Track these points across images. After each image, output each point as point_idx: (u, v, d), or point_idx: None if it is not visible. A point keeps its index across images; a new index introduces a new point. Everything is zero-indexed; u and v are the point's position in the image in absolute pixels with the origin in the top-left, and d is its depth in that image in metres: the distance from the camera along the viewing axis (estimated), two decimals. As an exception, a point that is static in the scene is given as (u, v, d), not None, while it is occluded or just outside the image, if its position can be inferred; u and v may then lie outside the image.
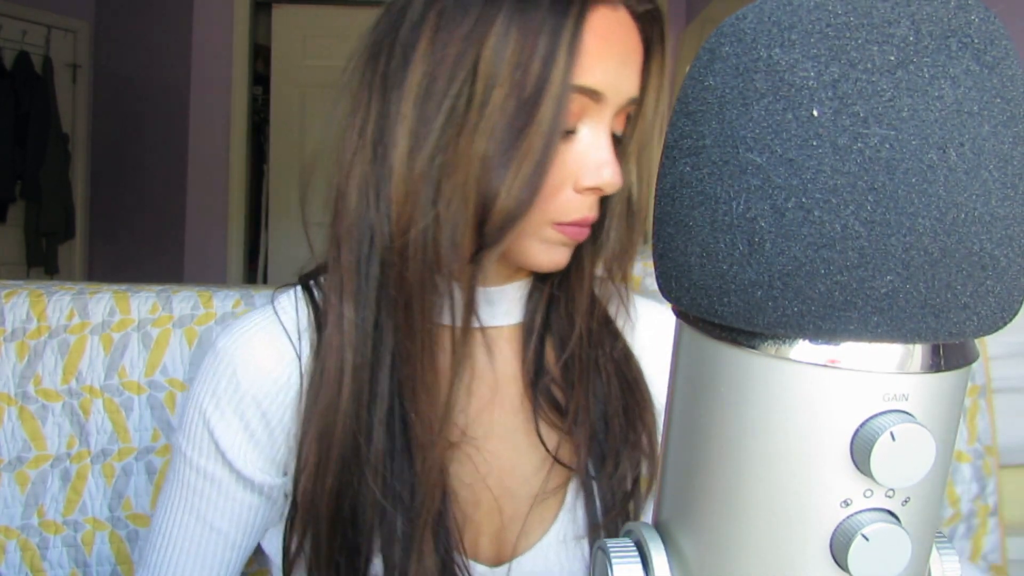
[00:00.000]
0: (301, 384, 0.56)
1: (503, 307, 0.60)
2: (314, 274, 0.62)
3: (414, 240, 0.51)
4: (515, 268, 0.59)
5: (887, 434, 0.19)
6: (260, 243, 3.38)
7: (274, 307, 0.58)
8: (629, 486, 0.59)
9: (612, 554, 0.25)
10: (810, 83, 0.19)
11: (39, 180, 3.31)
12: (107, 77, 3.54)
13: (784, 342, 0.20)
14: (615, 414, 0.59)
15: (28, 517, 0.77)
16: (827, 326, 0.19)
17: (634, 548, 0.25)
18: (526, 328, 0.61)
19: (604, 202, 0.56)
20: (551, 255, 0.54)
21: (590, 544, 0.58)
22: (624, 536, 0.26)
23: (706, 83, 0.21)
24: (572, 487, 0.58)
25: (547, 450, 0.57)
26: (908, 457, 0.19)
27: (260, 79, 3.38)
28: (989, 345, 0.99)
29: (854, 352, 0.19)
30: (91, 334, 0.80)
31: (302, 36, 3.25)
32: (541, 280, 0.61)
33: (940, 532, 0.25)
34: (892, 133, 0.18)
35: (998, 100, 0.19)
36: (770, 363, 0.20)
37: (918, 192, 0.18)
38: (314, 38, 3.25)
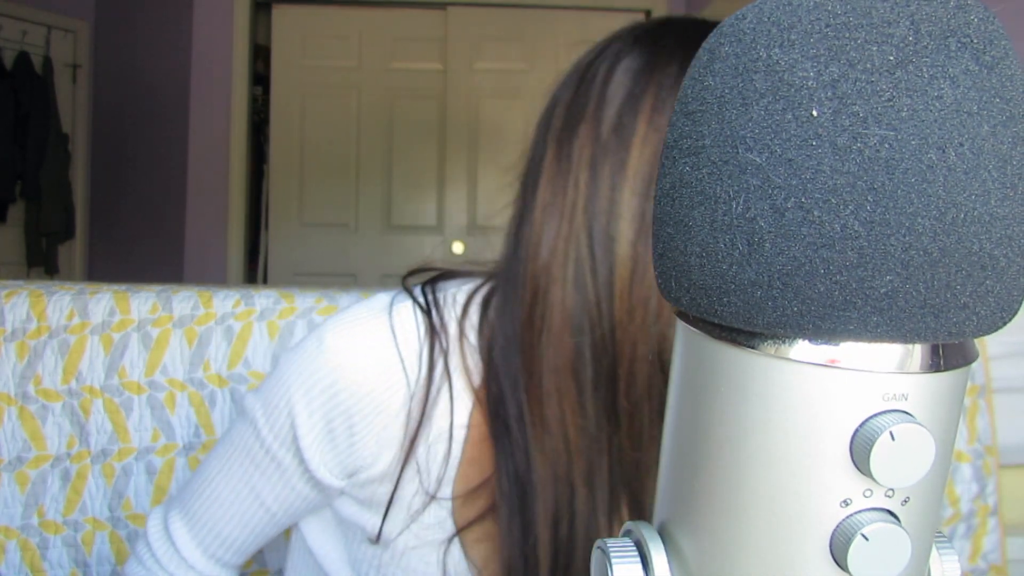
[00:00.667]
0: (407, 413, 0.55)
1: None
2: (431, 281, 0.61)
3: (640, 327, 0.50)
4: None
5: (887, 434, 0.19)
6: (260, 243, 3.38)
7: (391, 321, 0.57)
8: None
9: (612, 554, 0.25)
10: (809, 83, 0.19)
11: (39, 180, 3.31)
12: (107, 77, 3.54)
13: (784, 342, 0.20)
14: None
15: (28, 517, 0.77)
16: (827, 326, 0.19)
17: (634, 548, 0.25)
18: None
19: None
20: None
21: None
22: (624, 536, 0.26)
23: (705, 83, 0.21)
24: None
25: None
26: (908, 457, 0.19)
27: (260, 79, 3.38)
28: (989, 345, 0.99)
29: (854, 352, 0.20)
30: (91, 334, 0.80)
31: (302, 36, 3.25)
32: None
33: (940, 532, 0.25)
34: (891, 133, 0.18)
35: (997, 100, 0.19)
36: (770, 363, 0.20)
37: (918, 192, 0.18)
38: (314, 38, 3.25)
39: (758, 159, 0.19)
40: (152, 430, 0.79)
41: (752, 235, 0.19)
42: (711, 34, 0.21)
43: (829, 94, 0.19)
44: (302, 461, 0.56)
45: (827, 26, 0.19)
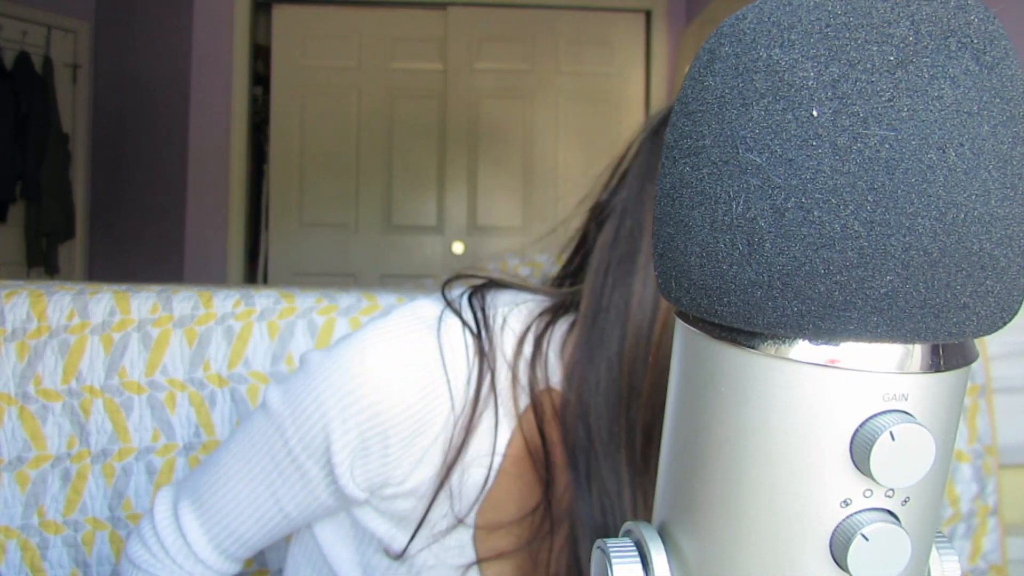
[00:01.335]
0: (448, 436, 0.54)
1: None
2: (477, 291, 0.59)
3: None
4: None
5: (887, 434, 0.19)
6: (260, 243, 3.38)
7: (440, 338, 0.55)
8: None
9: (612, 554, 0.25)
10: (810, 83, 0.19)
11: (39, 180, 3.31)
12: (107, 77, 3.54)
13: (784, 342, 0.20)
14: None
15: (28, 517, 0.77)
16: (827, 326, 0.19)
17: (634, 548, 0.25)
18: None
19: None
20: None
21: None
22: (624, 536, 0.26)
23: (706, 83, 0.21)
24: None
25: None
26: (908, 457, 0.19)
27: (260, 79, 3.38)
28: (989, 345, 0.99)
29: (854, 352, 0.20)
30: (91, 334, 0.80)
31: (302, 36, 3.25)
32: None
33: (940, 532, 0.25)
34: (892, 133, 0.18)
35: (997, 100, 0.19)
36: (770, 363, 0.20)
37: (918, 192, 0.18)
38: (314, 38, 3.25)
39: (758, 159, 0.19)
40: (152, 430, 0.79)
41: (752, 235, 0.19)
42: (711, 34, 0.21)
43: (829, 94, 0.19)
44: (331, 475, 0.54)
45: (827, 26, 0.19)
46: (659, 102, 3.26)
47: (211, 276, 3.18)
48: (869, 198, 0.18)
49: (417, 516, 0.57)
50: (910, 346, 0.20)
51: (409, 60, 3.29)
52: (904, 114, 0.18)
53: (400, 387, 0.53)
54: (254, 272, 3.37)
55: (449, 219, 3.28)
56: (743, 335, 0.21)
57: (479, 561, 0.57)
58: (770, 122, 0.19)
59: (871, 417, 0.19)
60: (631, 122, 3.25)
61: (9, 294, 0.80)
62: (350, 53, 3.26)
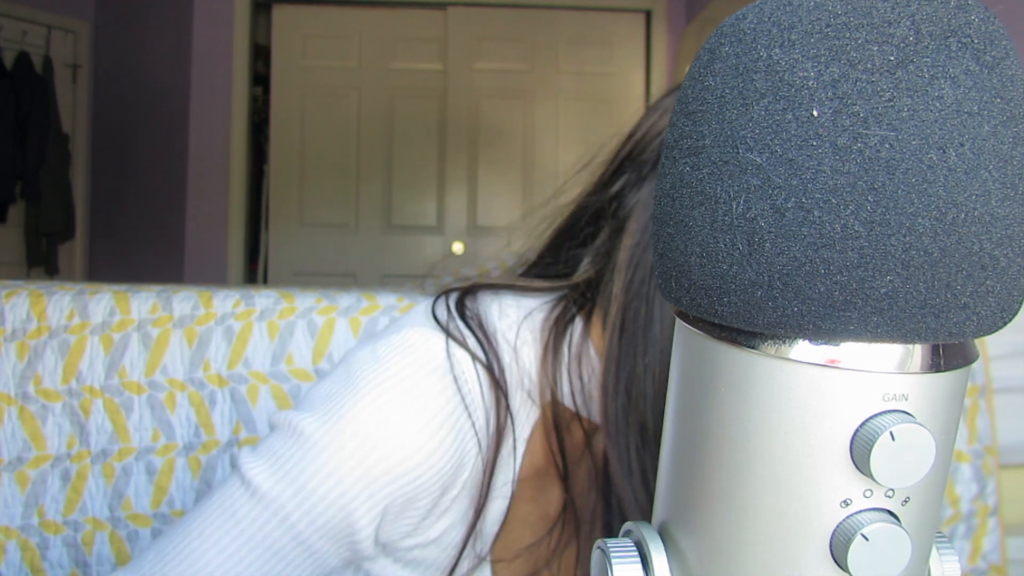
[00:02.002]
0: (476, 480, 0.51)
1: None
2: (461, 300, 0.55)
3: None
4: None
5: (887, 434, 0.19)
6: (260, 243, 3.38)
7: (457, 382, 0.50)
8: None
9: (612, 554, 0.25)
10: (810, 83, 0.19)
11: (39, 180, 3.31)
12: (107, 77, 3.54)
13: (784, 342, 0.20)
14: None
15: (28, 517, 0.77)
16: (827, 326, 0.19)
17: (634, 548, 0.25)
18: None
19: None
20: None
21: None
22: (624, 536, 0.26)
23: (706, 83, 0.21)
24: None
25: None
26: (908, 457, 0.19)
27: (260, 79, 3.38)
28: (989, 345, 0.99)
29: (854, 352, 0.20)
30: (91, 334, 0.80)
31: (302, 36, 3.25)
32: None
33: (940, 532, 0.25)
34: (892, 133, 0.18)
35: (998, 100, 0.19)
36: (770, 363, 0.20)
37: (918, 192, 0.18)
38: (314, 38, 3.25)
39: (758, 159, 0.19)
40: (152, 430, 0.79)
41: (752, 235, 0.19)
42: (711, 34, 0.21)
43: (829, 94, 0.19)
44: (350, 544, 0.48)
45: (827, 26, 0.19)
46: (659, 102, 3.26)
47: (211, 276, 3.18)
48: (869, 198, 0.18)
49: (437, 560, 0.53)
50: (910, 346, 0.20)
51: (409, 60, 3.29)
52: (904, 114, 0.18)
53: (432, 448, 0.47)
54: (254, 272, 3.37)
55: (449, 219, 3.28)
56: (743, 335, 0.21)
57: None
58: (770, 122, 0.19)
59: (871, 417, 0.19)
60: (631, 122, 3.24)
61: (9, 294, 0.80)
62: (350, 53, 3.26)
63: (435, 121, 3.29)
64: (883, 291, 0.19)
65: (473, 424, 0.50)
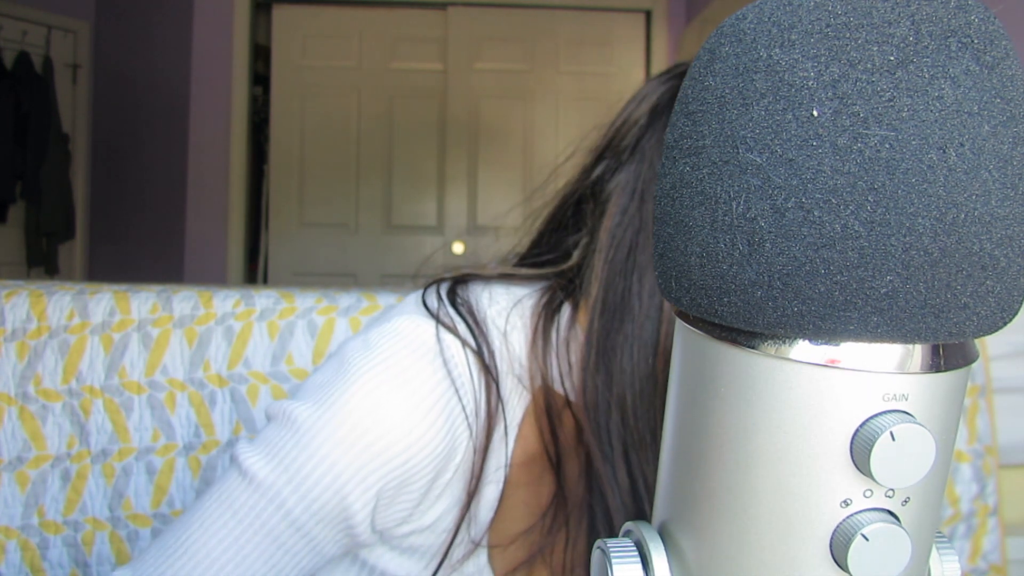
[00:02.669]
0: (469, 463, 0.51)
1: None
2: (452, 291, 0.55)
3: None
4: None
5: (887, 434, 0.19)
6: (260, 243, 3.38)
7: (444, 356, 0.51)
8: None
9: (612, 554, 0.25)
10: (810, 83, 0.19)
11: (39, 180, 3.31)
12: (107, 77, 3.54)
13: (784, 342, 0.20)
14: None
15: (28, 517, 0.77)
16: (827, 326, 0.19)
17: (634, 548, 0.25)
18: None
19: None
20: None
21: None
22: (624, 536, 0.26)
23: (706, 83, 0.21)
24: None
25: None
26: (908, 457, 0.19)
27: (260, 79, 3.38)
28: (989, 345, 0.99)
29: (854, 352, 0.19)
30: (91, 334, 0.80)
31: (302, 36, 3.25)
32: None
33: (940, 532, 0.25)
34: (892, 133, 0.18)
35: (998, 100, 0.19)
36: (770, 363, 0.20)
37: (918, 192, 0.18)
38: (314, 38, 3.25)
39: (758, 159, 0.19)
40: (152, 430, 0.79)
41: (752, 235, 0.19)
42: (712, 34, 0.21)
43: (830, 94, 0.19)
44: (346, 532, 0.49)
45: (828, 26, 0.19)
46: (659, 102, 3.26)
47: (211, 276, 3.18)
48: (869, 198, 0.18)
49: (434, 546, 0.53)
50: (910, 346, 0.20)
51: (409, 60, 3.29)
52: (904, 114, 0.18)
53: (423, 432, 0.48)
54: (254, 272, 3.37)
55: (449, 219, 3.28)
56: (743, 335, 0.21)
57: None
58: (770, 122, 0.19)
59: (871, 417, 0.19)
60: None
61: (9, 294, 0.80)
62: (350, 53, 3.26)
63: (435, 121, 3.29)
64: (883, 291, 0.18)
65: (464, 408, 0.50)
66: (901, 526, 0.20)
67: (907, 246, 0.18)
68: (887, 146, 0.18)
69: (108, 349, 0.79)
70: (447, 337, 0.51)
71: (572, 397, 0.55)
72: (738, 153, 0.20)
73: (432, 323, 0.52)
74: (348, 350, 0.51)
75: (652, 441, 0.51)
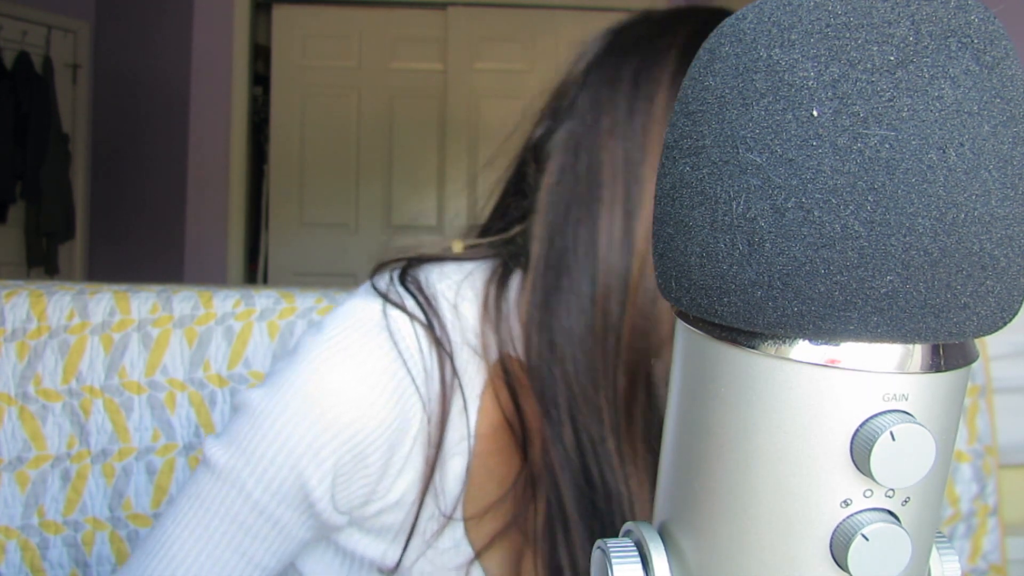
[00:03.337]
0: (425, 435, 0.51)
1: None
2: (403, 274, 0.56)
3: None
4: None
5: (887, 434, 0.19)
6: (260, 243, 3.38)
7: (394, 339, 0.51)
8: None
9: (612, 554, 0.25)
10: (810, 83, 0.19)
11: (39, 180, 3.31)
12: (107, 77, 3.54)
13: (784, 342, 0.20)
14: None
15: (28, 517, 0.77)
16: (827, 326, 0.19)
17: (634, 548, 0.25)
18: None
19: None
20: None
21: None
22: (624, 536, 0.26)
23: (706, 83, 0.21)
24: None
25: None
26: (908, 457, 0.19)
27: (260, 79, 3.38)
28: (989, 345, 0.99)
29: (854, 352, 0.20)
30: (91, 334, 0.80)
31: (302, 36, 3.25)
32: None
33: (940, 532, 0.25)
34: (892, 133, 0.18)
35: (998, 100, 0.19)
36: (770, 363, 0.20)
37: (918, 192, 0.18)
38: (314, 38, 3.25)
39: (758, 159, 0.19)
40: (152, 430, 0.79)
41: (752, 235, 0.19)
42: (711, 34, 0.21)
43: (829, 94, 0.19)
44: (309, 512, 0.49)
45: (827, 26, 0.19)
46: (659, 102, 3.26)
47: (211, 276, 3.18)
48: (869, 198, 0.18)
49: (404, 524, 0.53)
50: (910, 346, 0.20)
51: (409, 60, 3.29)
52: (904, 114, 0.18)
53: (372, 401, 0.49)
54: (254, 272, 3.37)
55: (449, 219, 3.28)
56: (743, 335, 0.21)
57: (478, 555, 0.54)
58: (770, 122, 0.19)
59: (871, 417, 0.19)
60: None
61: (9, 294, 0.80)
62: (350, 53, 3.26)
63: (435, 121, 3.29)
64: (883, 291, 0.19)
65: (414, 380, 0.51)
66: (901, 526, 0.20)
67: (907, 246, 0.18)
68: (887, 146, 0.18)
69: (108, 349, 0.79)
70: (394, 313, 0.52)
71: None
72: (738, 153, 0.20)
73: (380, 301, 0.53)
74: (302, 337, 0.53)
75: (596, 397, 0.51)
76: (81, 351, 0.79)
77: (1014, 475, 1.01)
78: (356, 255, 3.28)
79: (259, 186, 3.42)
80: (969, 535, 0.92)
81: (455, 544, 0.55)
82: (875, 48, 0.19)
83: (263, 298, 0.83)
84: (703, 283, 0.21)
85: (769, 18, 0.20)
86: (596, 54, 0.56)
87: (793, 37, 0.19)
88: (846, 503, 0.20)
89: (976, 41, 0.19)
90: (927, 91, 0.18)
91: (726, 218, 0.20)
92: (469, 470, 0.54)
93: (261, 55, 3.36)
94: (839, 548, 0.20)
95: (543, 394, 0.52)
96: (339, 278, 3.23)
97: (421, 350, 0.52)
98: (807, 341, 0.20)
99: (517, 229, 0.57)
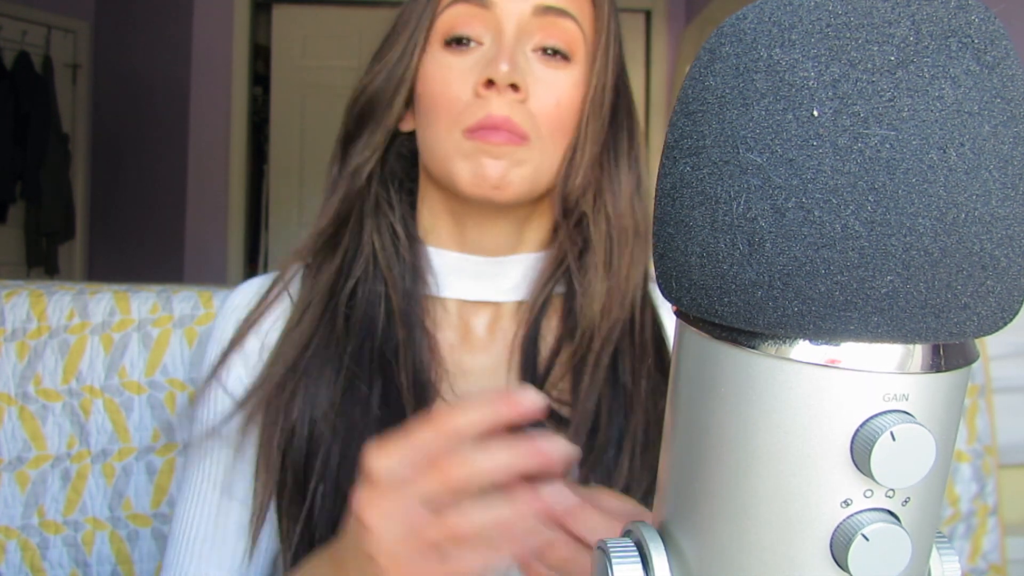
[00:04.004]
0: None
1: (509, 282, 0.59)
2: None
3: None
4: (516, 236, 0.59)
5: (887, 434, 0.19)
6: (260, 243, 3.38)
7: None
8: None
9: (612, 554, 0.25)
10: (810, 83, 0.19)
11: (39, 180, 3.31)
12: (107, 77, 3.54)
13: (784, 342, 0.20)
14: (632, 453, 0.54)
15: (28, 517, 0.77)
16: (827, 326, 0.19)
17: (634, 548, 0.25)
18: (526, 309, 0.58)
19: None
20: (473, 168, 0.55)
21: None
22: (624, 536, 0.26)
23: (706, 83, 0.21)
24: None
25: None
26: (908, 457, 0.19)
27: (260, 79, 3.38)
28: (989, 345, 0.99)
29: (854, 352, 0.19)
30: (91, 334, 0.80)
31: (302, 36, 3.25)
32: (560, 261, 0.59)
33: (940, 532, 0.25)
34: (892, 133, 0.18)
35: (998, 100, 0.19)
36: (770, 363, 0.20)
37: (918, 192, 0.18)
38: (314, 38, 3.25)
39: (759, 159, 0.19)
40: (152, 430, 0.79)
41: (753, 235, 0.19)
42: (712, 34, 0.21)
43: (830, 94, 0.19)
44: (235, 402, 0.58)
45: (828, 26, 0.19)
46: (659, 102, 3.26)
47: (211, 276, 3.18)
48: (870, 198, 0.18)
49: None
50: (911, 346, 0.20)
51: (409, 60, 3.29)
52: (905, 114, 0.18)
53: (252, 295, 0.63)
54: (254, 272, 3.37)
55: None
56: (744, 335, 0.21)
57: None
58: (770, 122, 0.19)
59: (871, 417, 0.19)
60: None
61: (9, 294, 0.80)
62: (350, 53, 3.25)
63: (435, 121, 3.28)
64: (883, 291, 0.19)
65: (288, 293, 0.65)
66: (901, 526, 0.20)
67: (907, 246, 0.18)
68: (887, 146, 0.18)
69: (108, 349, 0.79)
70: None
71: None
72: (738, 153, 0.20)
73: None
74: None
75: None
76: (81, 351, 0.79)
77: (1014, 475, 1.01)
78: (356, 255, 3.28)
79: (259, 186, 3.42)
80: (969, 535, 0.92)
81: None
82: (875, 48, 0.19)
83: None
84: (703, 283, 0.21)
85: (769, 18, 0.20)
86: None
87: (793, 37, 0.19)
88: (846, 503, 0.20)
89: (977, 41, 0.19)
90: (927, 91, 0.18)
91: (726, 218, 0.20)
92: None
93: (261, 55, 3.36)
94: (839, 548, 0.20)
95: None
96: (339, 278, 3.23)
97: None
98: (807, 341, 0.20)
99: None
